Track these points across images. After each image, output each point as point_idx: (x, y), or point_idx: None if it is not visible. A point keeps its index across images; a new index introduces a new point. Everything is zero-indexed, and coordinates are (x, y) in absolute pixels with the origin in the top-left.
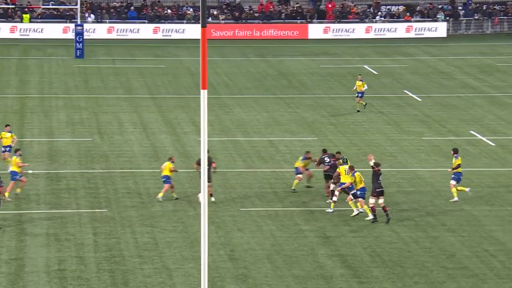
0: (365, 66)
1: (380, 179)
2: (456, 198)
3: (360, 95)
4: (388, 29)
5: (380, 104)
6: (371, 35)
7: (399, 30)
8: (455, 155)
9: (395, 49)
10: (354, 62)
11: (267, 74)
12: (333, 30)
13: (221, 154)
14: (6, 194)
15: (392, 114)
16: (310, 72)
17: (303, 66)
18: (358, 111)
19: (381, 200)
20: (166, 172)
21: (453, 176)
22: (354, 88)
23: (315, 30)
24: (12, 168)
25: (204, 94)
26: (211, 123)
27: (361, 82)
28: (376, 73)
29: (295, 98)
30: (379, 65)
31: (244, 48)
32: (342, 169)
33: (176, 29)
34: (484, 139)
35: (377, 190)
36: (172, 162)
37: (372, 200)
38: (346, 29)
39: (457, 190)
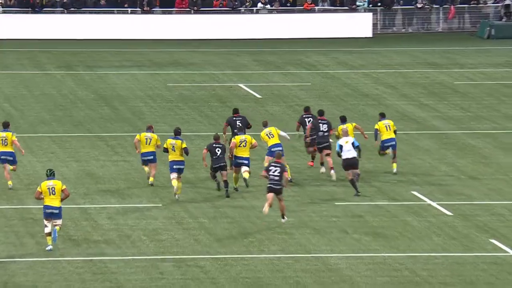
0: (241, 85)
1: None
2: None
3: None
4: (278, 24)
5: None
6: (249, 34)
7: (296, 26)
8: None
9: (290, 57)
10: (222, 78)
11: (77, 97)
12: (187, 25)
13: None
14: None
15: None
16: (149, 95)
17: (136, 84)
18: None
19: None
20: (150, 148)
21: None
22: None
23: (155, 24)
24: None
25: None
26: None
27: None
28: (259, 96)
29: (121, 137)
30: (264, 83)
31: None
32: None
33: None
34: (433, 204)
35: None
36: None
37: None
38: (207, 24)
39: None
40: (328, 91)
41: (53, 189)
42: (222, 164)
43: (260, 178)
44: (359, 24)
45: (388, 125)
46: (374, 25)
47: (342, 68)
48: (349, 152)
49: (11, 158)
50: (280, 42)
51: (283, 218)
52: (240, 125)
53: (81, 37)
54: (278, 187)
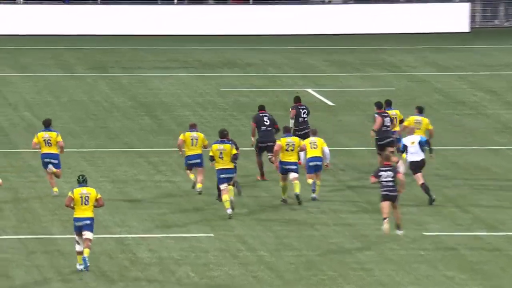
0: (309, 91)
1: None
2: None
3: None
4: (354, 17)
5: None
6: (319, 28)
7: (377, 19)
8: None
9: (369, 56)
10: (286, 82)
11: (109, 104)
12: (245, 18)
13: None
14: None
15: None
16: (199, 102)
17: (183, 89)
18: None
19: None
20: (197, 150)
21: None
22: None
23: (206, 17)
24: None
25: None
26: None
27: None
28: (331, 104)
29: (165, 153)
30: (337, 88)
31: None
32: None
33: None
34: None
35: None
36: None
37: None
38: (269, 17)
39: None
40: (415, 97)
41: (86, 198)
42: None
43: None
44: (453, 16)
45: (420, 122)
46: (472, 17)
47: (432, 70)
48: (416, 155)
49: (56, 161)
50: (357, 38)
51: (399, 229)
52: (268, 122)
53: (117, 33)
54: (394, 193)
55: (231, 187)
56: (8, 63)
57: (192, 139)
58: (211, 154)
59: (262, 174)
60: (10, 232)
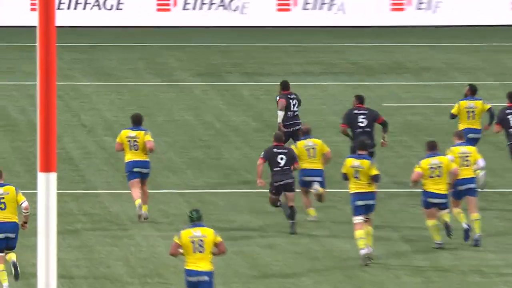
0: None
1: None
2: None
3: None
4: None
5: None
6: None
7: None
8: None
9: None
10: (478, 94)
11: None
12: (413, 9)
13: None
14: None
15: None
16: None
17: (330, 103)
18: None
19: None
20: (315, 163)
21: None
22: None
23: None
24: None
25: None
26: None
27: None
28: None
29: None
30: None
31: None
32: None
33: None
34: None
35: None
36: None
37: None
38: (453, 3)
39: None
40: None
41: (200, 242)
42: (288, 180)
43: None
44: None
45: None
46: None
47: None
48: None
49: (147, 171)
50: None
51: None
52: (364, 122)
53: (235, 24)
54: None
55: (367, 228)
56: (82, 67)
57: (307, 149)
58: (344, 171)
59: None
60: None
